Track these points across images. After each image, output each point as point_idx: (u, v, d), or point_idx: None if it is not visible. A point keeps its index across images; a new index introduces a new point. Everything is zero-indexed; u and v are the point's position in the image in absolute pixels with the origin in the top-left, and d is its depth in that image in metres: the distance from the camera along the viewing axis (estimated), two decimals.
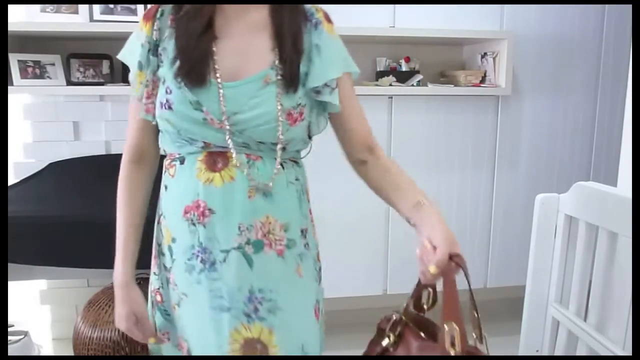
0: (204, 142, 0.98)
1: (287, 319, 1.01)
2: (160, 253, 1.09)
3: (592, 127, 2.64)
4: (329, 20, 1.09)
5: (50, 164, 2.29)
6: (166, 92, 0.97)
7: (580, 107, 2.61)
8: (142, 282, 2.22)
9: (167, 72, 0.98)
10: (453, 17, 2.43)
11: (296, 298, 1.04)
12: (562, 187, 1.53)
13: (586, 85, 2.60)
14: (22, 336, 2.17)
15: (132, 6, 2.14)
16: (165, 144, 1.05)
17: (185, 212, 1.00)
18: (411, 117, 2.45)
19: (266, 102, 0.97)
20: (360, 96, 2.48)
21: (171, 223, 1.04)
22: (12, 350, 2.10)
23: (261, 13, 1.01)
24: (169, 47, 0.99)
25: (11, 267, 1.86)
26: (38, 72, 2.14)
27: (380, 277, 2.55)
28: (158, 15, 1.00)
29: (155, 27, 0.99)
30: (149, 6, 1.99)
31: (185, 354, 1.07)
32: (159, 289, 1.11)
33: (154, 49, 1.00)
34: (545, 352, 1.53)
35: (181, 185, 1.01)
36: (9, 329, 2.18)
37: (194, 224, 0.99)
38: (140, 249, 1.18)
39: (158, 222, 1.10)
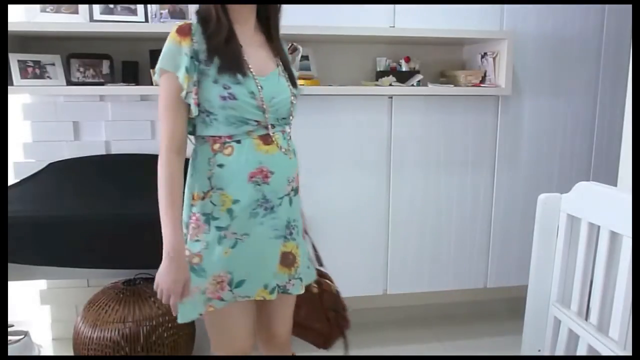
0: (256, 121, 1.35)
1: (299, 237, 1.51)
2: (212, 218, 1.37)
3: (592, 127, 2.65)
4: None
5: (50, 164, 2.29)
6: (224, 88, 1.31)
7: (580, 107, 2.62)
8: (142, 282, 2.23)
9: (215, 73, 1.32)
10: (453, 17, 2.43)
11: (300, 223, 1.52)
12: (562, 187, 1.54)
13: (586, 85, 2.60)
14: (22, 336, 2.17)
15: (132, 6, 2.14)
16: (214, 130, 1.35)
17: (251, 177, 1.36)
18: (411, 117, 2.45)
19: (285, 89, 1.43)
20: (360, 96, 2.51)
21: (232, 190, 1.36)
22: (12, 350, 2.10)
23: (261, 35, 1.46)
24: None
25: (11, 267, 1.86)
26: (38, 72, 2.14)
27: (380, 277, 2.55)
28: (193, 31, 1.33)
29: (194, 40, 1.32)
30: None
31: (224, 284, 1.39)
32: (199, 251, 1.37)
33: (195, 56, 1.32)
34: (547, 352, 1.54)
35: (242, 159, 1.35)
36: (9, 329, 2.18)
37: (258, 184, 1.37)
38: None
39: (203, 198, 1.38)
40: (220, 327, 1.46)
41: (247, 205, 1.37)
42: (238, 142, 1.35)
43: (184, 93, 1.30)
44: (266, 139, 1.37)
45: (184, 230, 1.40)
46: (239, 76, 1.32)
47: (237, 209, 1.36)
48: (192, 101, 1.32)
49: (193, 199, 1.38)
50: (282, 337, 1.59)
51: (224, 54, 1.32)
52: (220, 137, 1.35)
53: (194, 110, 1.33)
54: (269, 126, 1.37)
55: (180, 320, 1.39)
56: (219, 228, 1.37)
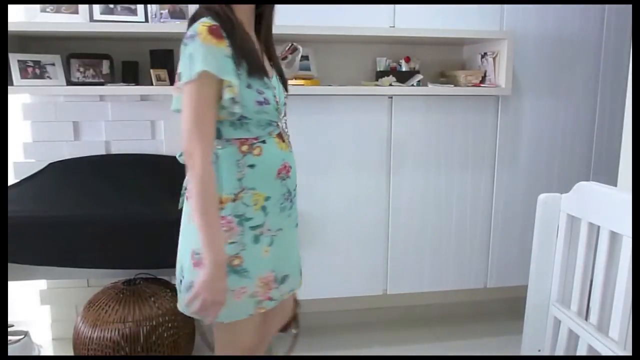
0: (275, 122, 1.43)
1: None
2: (244, 220, 1.37)
3: (592, 127, 2.65)
4: None
5: (50, 164, 2.29)
6: (259, 93, 1.34)
7: (580, 107, 2.62)
8: (142, 282, 2.23)
9: (246, 77, 1.32)
10: (453, 17, 2.43)
11: None
12: (563, 187, 1.54)
13: (586, 85, 2.60)
14: (22, 336, 2.17)
15: (132, 6, 2.14)
16: (243, 132, 1.36)
17: (278, 174, 1.42)
18: (411, 117, 2.45)
19: (281, 91, 1.49)
20: (360, 96, 2.51)
21: (264, 188, 1.39)
22: (12, 350, 2.10)
23: (254, 35, 1.45)
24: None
25: (11, 267, 1.86)
26: (38, 72, 2.14)
27: (380, 277, 2.55)
28: (224, 34, 1.28)
29: (228, 44, 1.28)
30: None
31: (272, 283, 1.44)
32: (237, 253, 1.37)
33: (232, 59, 1.29)
34: (547, 352, 1.54)
35: (270, 158, 1.40)
36: (9, 329, 2.18)
37: (283, 179, 1.43)
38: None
39: (234, 200, 1.36)
40: (234, 326, 1.45)
41: (277, 200, 1.43)
42: (263, 142, 1.39)
43: (229, 96, 1.27)
44: (281, 137, 1.45)
45: None
46: (266, 79, 1.36)
47: (269, 205, 1.41)
48: (237, 105, 1.29)
49: (220, 202, 1.35)
50: (292, 301, 1.71)
51: (250, 56, 1.33)
52: (247, 139, 1.37)
53: (232, 115, 1.31)
54: (279, 125, 1.46)
55: (223, 320, 1.40)
56: (253, 227, 1.39)
